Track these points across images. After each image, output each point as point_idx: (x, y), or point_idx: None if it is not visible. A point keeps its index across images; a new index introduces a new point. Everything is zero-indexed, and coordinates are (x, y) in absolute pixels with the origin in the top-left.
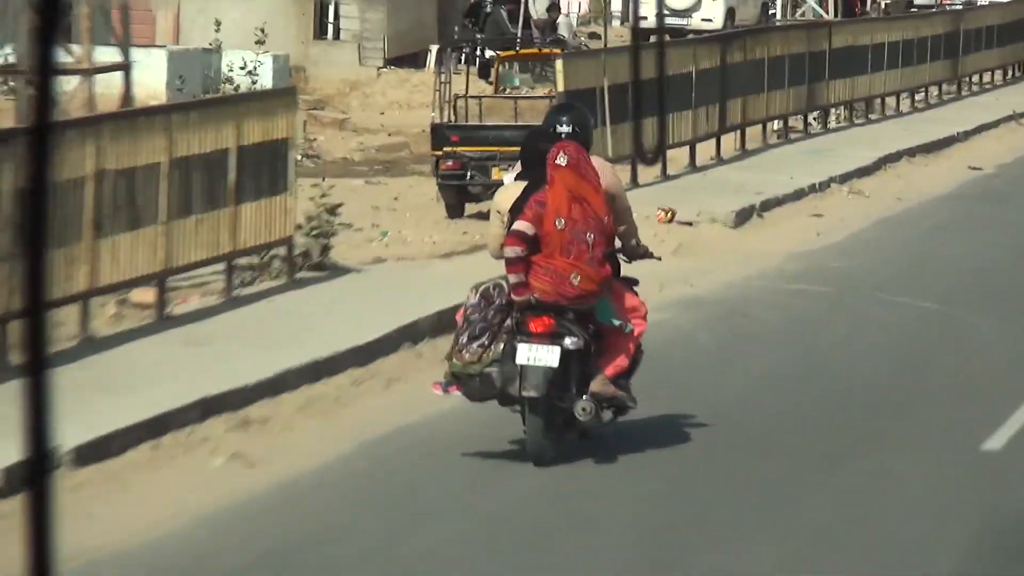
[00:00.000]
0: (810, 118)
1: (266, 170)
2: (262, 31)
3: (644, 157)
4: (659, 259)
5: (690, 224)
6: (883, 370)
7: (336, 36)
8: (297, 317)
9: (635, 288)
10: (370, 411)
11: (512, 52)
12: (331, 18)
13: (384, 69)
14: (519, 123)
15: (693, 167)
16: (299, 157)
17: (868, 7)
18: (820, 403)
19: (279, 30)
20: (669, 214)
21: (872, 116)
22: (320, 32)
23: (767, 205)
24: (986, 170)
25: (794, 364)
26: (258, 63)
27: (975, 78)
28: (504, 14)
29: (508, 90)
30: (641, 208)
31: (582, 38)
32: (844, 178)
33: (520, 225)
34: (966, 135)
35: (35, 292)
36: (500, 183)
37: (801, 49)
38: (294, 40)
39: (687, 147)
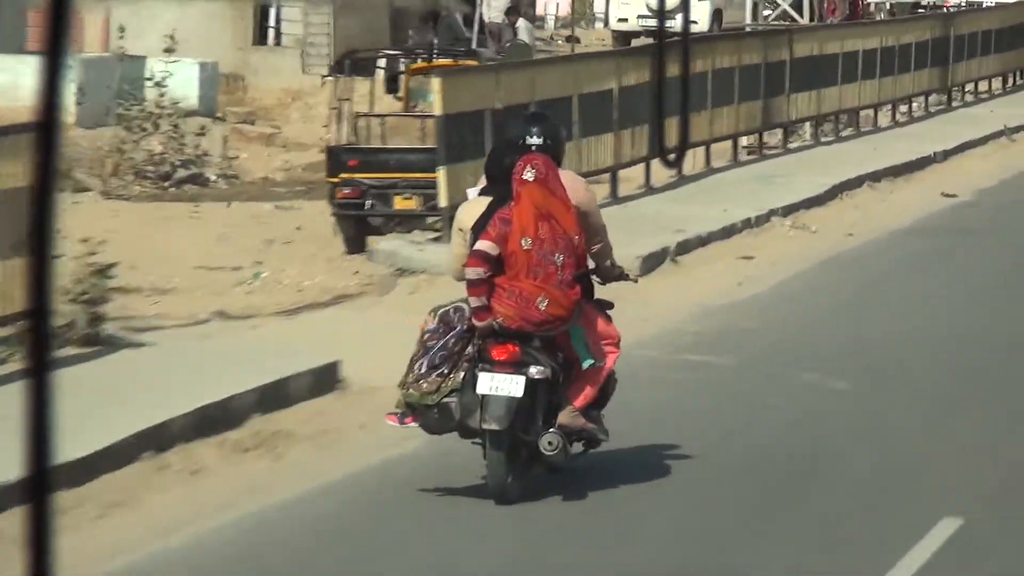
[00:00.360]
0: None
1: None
2: (171, 38)
3: (666, 160)
4: (635, 281)
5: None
6: (749, 494)
7: (277, 42)
8: (11, 418)
9: (609, 312)
10: (70, 553)
11: (425, 63)
12: (272, 22)
13: (329, 78)
14: (427, 145)
15: (614, 198)
16: (213, 177)
17: (873, 7)
18: (658, 537)
19: (215, 36)
20: None
21: (844, 133)
22: (260, 38)
23: (687, 246)
24: (961, 197)
25: (639, 482)
26: (167, 74)
27: (969, 87)
28: (460, 18)
29: (419, 107)
30: None
31: (559, 41)
32: (789, 210)
33: (483, 244)
34: (945, 155)
35: (40, 297)
36: (402, 213)
37: (756, 60)
38: (231, 47)
39: (609, 174)
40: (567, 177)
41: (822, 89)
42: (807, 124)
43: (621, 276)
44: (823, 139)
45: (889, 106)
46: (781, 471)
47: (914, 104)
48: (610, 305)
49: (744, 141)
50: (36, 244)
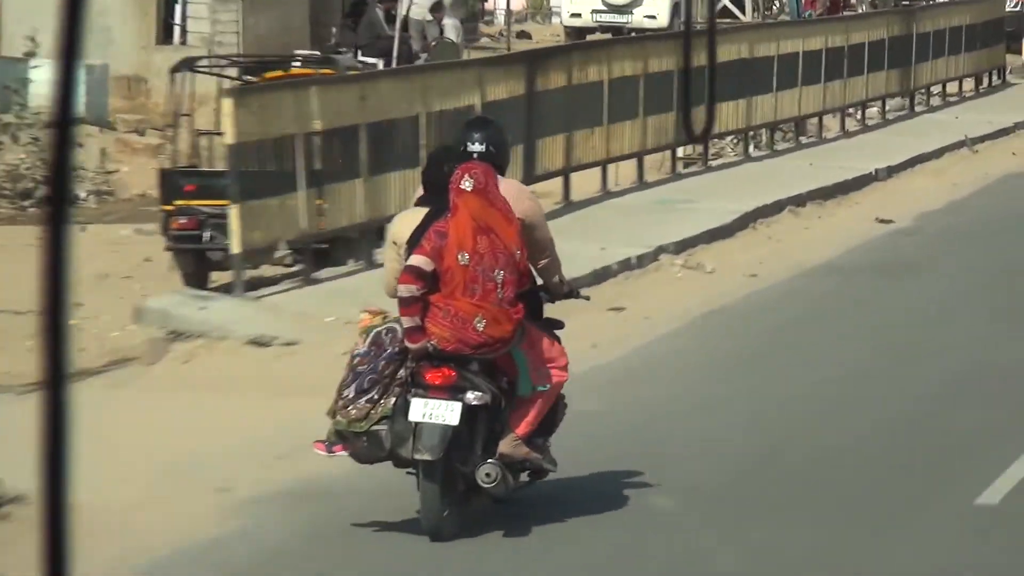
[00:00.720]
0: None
1: None
2: (32, 40)
3: (692, 136)
4: (587, 299)
5: None
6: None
7: (183, 41)
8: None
9: (557, 332)
10: None
11: (282, 72)
12: (177, 19)
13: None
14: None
15: None
16: (83, 195)
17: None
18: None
19: (115, 34)
20: (379, 317)
21: (780, 146)
22: (165, 36)
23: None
24: (899, 223)
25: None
26: (27, 79)
27: (937, 90)
28: (380, 14)
29: None
30: (346, 309)
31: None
32: (683, 245)
33: (416, 259)
34: (890, 171)
35: (55, 302)
36: None
37: (667, 66)
38: (133, 46)
39: None
40: (510, 186)
41: (752, 97)
42: (726, 139)
43: (571, 294)
44: (755, 154)
45: (837, 113)
46: None
47: (872, 110)
48: (560, 324)
49: (680, 152)
50: (50, 256)
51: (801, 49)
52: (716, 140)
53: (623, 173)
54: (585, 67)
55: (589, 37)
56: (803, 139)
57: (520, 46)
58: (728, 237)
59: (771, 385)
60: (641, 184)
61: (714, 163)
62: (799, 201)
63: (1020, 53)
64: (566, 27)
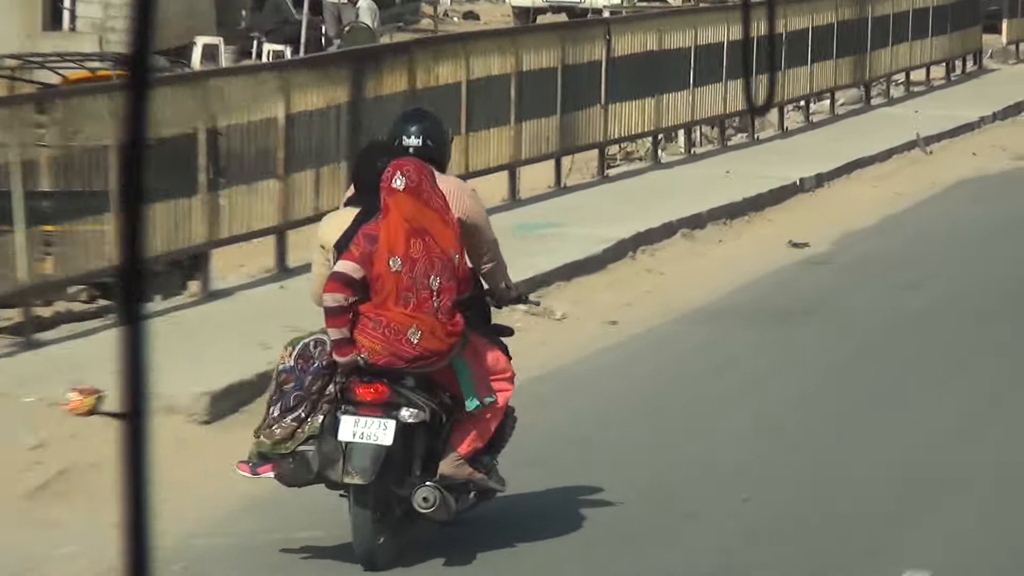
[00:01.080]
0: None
1: None
2: None
3: (754, 107)
4: (537, 304)
5: (120, 417)
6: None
7: (72, 26)
8: None
9: (505, 339)
10: None
11: (88, 73)
12: (66, 3)
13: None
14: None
15: (282, 269)
16: None
17: None
18: None
19: None
20: (91, 399)
21: (698, 150)
22: (53, 22)
23: None
24: (814, 247)
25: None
26: None
27: (900, 78)
28: None
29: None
30: (57, 386)
31: (454, 19)
32: (533, 284)
33: (344, 266)
34: (819, 179)
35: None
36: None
37: (545, 63)
38: (18, 32)
39: (275, 237)
40: (449, 184)
41: (664, 95)
42: (630, 144)
43: (520, 299)
44: (665, 160)
45: (776, 110)
46: None
47: (819, 104)
48: (508, 331)
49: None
50: (127, 200)
51: (726, 38)
52: (627, 143)
53: (500, 186)
54: (433, 67)
55: (540, 19)
56: (736, 139)
57: (464, 28)
58: (596, 271)
59: (597, 477)
60: (514, 202)
61: (612, 173)
62: (697, 222)
63: (1000, 34)
64: (513, 7)
